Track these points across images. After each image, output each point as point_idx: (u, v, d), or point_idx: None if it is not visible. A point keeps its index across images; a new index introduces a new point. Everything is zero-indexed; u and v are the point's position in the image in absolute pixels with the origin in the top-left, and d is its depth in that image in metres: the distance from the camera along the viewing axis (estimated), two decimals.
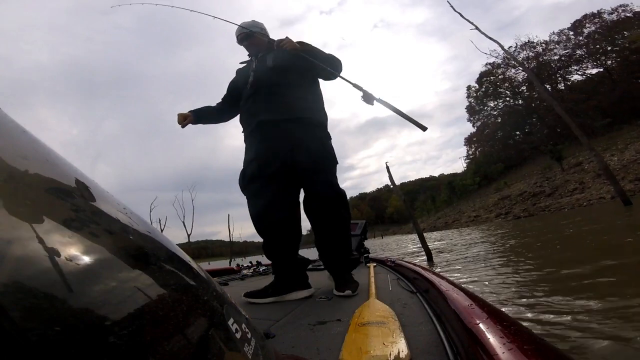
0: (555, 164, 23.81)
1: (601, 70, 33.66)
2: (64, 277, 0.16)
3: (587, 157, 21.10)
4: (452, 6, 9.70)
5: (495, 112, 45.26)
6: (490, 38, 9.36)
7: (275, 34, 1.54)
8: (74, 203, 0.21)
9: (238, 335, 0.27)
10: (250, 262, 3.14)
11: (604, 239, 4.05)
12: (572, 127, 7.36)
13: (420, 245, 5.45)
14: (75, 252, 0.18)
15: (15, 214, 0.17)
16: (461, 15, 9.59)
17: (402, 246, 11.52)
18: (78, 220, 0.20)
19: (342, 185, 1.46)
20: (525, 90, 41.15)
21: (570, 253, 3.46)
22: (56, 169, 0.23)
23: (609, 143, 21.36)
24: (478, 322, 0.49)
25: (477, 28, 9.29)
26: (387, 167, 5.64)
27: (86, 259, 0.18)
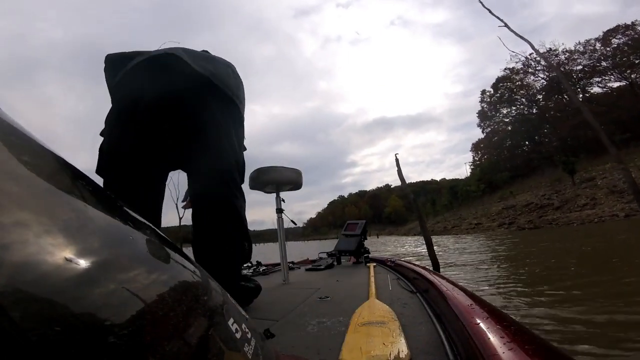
0: (566, 177, 23.41)
1: (623, 84, 33.23)
2: (64, 278, 0.16)
3: (600, 172, 20.54)
4: (481, 2, 9.43)
5: (507, 119, 44.88)
6: (520, 36, 9.02)
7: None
8: (73, 203, 0.21)
9: (238, 335, 0.27)
10: (250, 262, 3.12)
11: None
12: (600, 135, 7.05)
13: (415, 251, 5.23)
14: (75, 253, 0.18)
15: (15, 215, 0.16)
16: (490, 12, 9.30)
17: (398, 250, 10.74)
18: (77, 220, 0.20)
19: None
20: (541, 100, 40.83)
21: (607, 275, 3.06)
22: (56, 169, 0.23)
23: (626, 159, 21.12)
24: (478, 322, 0.49)
25: (506, 25, 8.98)
26: (397, 160, 5.16)
27: (86, 260, 0.18)
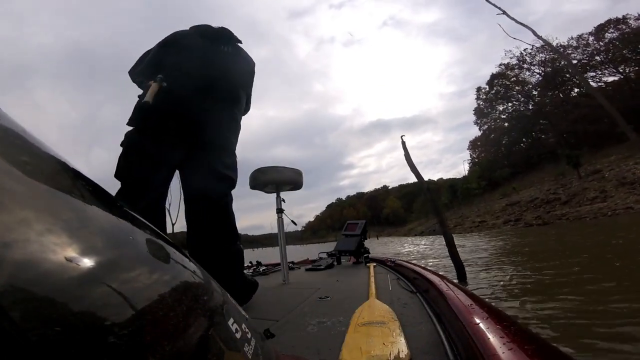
0: (570, 171, 22.87)
1: (616, 79, 32.98)
2: (64, 278, 0.16)
3: (606, 164, 20.03)
4: None
5: (504, 116, 44.55)
6: (521, 23, 8.87)
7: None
8: (74, 203, 0.21)
9: (238, 335, 0.27)
10: (250, 262, 3.11)
11: None
12: (620, 123, 6.96)
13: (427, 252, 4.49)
14: (75, 252, 0.18)
15: (15, 214, 0.16)
16: (487, 0, 9.16)
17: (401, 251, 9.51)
18: (77, 220, 0.20)
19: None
20: (536, 95, 40.59)
21: None
22: (56, 169, 0.23)
23: (633, 150, 20.55)
24: (478, 322, 0.49)
25: (505, 12, 8.86)
26: (404, 143, 4.50)
27: (86, 260, 0.18)
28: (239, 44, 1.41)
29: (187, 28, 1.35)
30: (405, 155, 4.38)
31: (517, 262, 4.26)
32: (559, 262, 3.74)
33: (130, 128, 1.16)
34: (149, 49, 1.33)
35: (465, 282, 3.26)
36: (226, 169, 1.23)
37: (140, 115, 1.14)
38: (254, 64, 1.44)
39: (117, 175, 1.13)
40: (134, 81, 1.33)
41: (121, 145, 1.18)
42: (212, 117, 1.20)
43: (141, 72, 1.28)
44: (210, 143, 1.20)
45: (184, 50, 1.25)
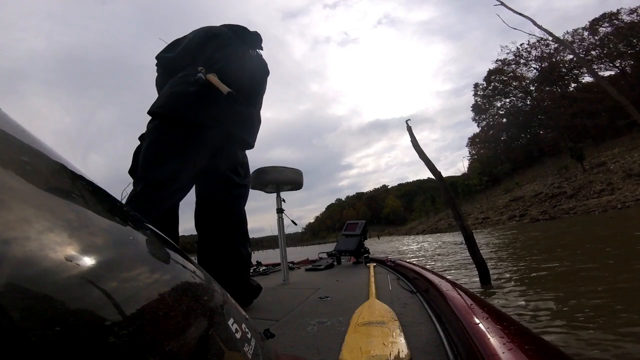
0: (573, 164, 22.54)
1: (613, 73, 33.27)
2: (64, 278, 0.16)
3: (609, 157, 19.91)
4: None
5: (502, 112, 44.72)
6: (519, 13, 8.62)
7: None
8: (74, 203, 0.21)
9: (238, 335, 0.27)
10: (250, 262, 3.09)
11: None
12: (631, 112, 6.76)
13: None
14: (75, 252, 0.18)
15: (15, 214, 0.16)
16: None
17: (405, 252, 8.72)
18: (78, 220, 0.20)
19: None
20: (534, 91, 40.72)
21: None
22: (56, 169, 0.23)
23: (635, 143, 20.24)
24: (478, 322, 0.49)
25: (502, 3, 8.68)
26: (409, 128, 4.18)
27: (86, 259, 0.18)
28: (260, 51, 1.42)
29: (219, 25, 1.33)
30: (412, 141, 4.04)
31: (542, 259, 3.88)
32: (586, 257, 3.44)
33: (151, 122, 1.10)
34: (178, 37, 1.30)
35: (490, 285, 2.89)
36: (241, 168, 1.25)
37: (187, 104, 1.07)
38: (268, 72, 1.45)
39: (133, 171, 1.07)
40: (161, 65, 1.29)
41: (140, 138, 1.13)
42: (241, 114, 1.22)
43: (173, 59, 1.25)
44: (236, 140, 1.21)
45: (221, 48, 1.23)
